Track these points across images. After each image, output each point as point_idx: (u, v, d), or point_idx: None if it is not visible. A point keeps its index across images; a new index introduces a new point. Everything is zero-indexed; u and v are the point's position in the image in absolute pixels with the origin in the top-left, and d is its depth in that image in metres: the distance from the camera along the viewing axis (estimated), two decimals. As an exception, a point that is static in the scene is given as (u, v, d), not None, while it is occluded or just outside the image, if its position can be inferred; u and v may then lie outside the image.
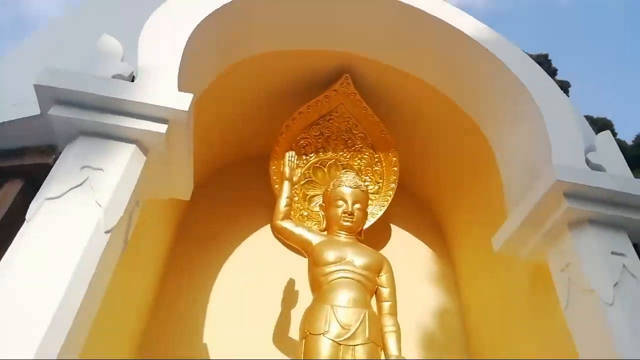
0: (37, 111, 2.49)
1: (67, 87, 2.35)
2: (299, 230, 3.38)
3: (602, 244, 2.69)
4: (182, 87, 2.63)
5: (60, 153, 2.48)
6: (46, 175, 2.38)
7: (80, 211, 2.22)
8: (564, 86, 18.76)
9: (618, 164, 3.03)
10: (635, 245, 2.80)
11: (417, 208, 4.76)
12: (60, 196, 2.25)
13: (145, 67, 2.61)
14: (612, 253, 2.67)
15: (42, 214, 2.17)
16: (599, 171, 2.90)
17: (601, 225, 2.77)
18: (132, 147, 2.46)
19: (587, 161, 2.98)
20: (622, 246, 2.72)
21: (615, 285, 2.53)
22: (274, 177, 4.01)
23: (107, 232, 2.22)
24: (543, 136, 3.05)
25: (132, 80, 2.58)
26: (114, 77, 2.51)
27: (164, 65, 2.65)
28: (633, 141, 15.64)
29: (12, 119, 2.60)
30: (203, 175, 4.19)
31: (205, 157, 4.05)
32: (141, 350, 3.41)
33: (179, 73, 2.64)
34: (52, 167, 2.43)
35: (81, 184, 2.31)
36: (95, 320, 2.17)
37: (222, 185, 4.47)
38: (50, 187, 2.27)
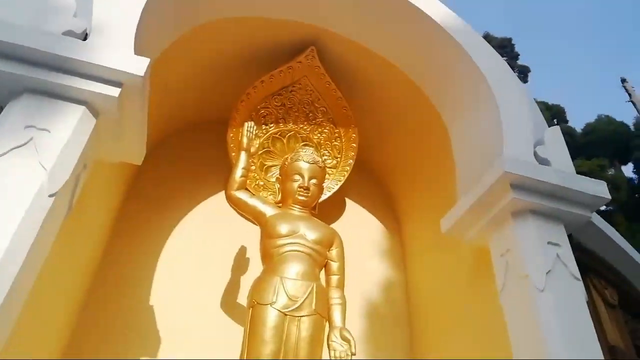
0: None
1: (10, 40, 2.20)
2: (253, 202, 3.38)
3: (540, 234, 2.85)
4: (138, 49, 2.52)
5: (1, 109, 2.35)
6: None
7: (22, 172, 2.12)
8: (525, 71, 19.24)
9: (563, 159, 3.18)
10: (569, 236, 2.98)
11: (372, 184, 4.84)
12: (1, 155, 2.15)
13: (100, 25, 2.47)
14: (549, 243, 2.84)
15: (-20, 173, 2.06)
16: (545, 165, 3.04)
17: (541, 216, 2.93)
18: (82, 108, 2.35)
19: (535, 154, 3.11)
20: (558, 237, 2.89)
21: (547, 272, 2.70)
22: (232, 145, 3.95)
23: (50, 195, 2.14)
24: (497, 127, 3.15)
25: (85, 39, 2.44)
26: (64, 33, 2.36)
27: (121, 24, 2.51)
28: (582, 129, 16.33)
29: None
30: (156, 137, 4.08)
31: (160, 119, 3.93)
32: (84, 316, 3.37)
33: (135, 34, 2.53)
34: (-8, 124, 2.30)
35: (25, 144, 2.20)
36: (34, 288, 2.12)
37: (177, 149, 4.38)
38: (-10, 146, 2.15)
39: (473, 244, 3.28)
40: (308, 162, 3.54)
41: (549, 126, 3.47)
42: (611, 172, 13.84)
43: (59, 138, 2.25)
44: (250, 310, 2.90)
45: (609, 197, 3.01)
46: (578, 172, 3.17)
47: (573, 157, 3.32)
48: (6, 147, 2.14)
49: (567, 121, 17.69)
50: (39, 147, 2.20)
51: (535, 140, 3.21)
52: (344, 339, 2.86)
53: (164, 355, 3.35)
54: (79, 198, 2.53)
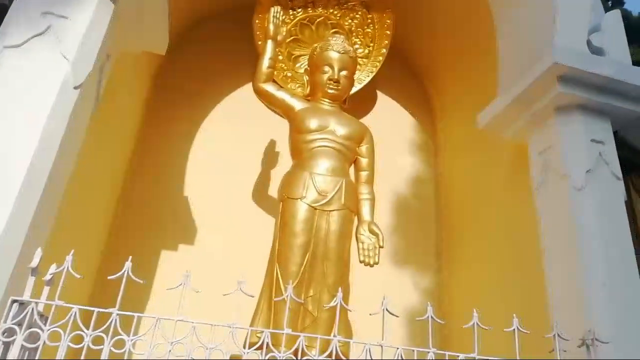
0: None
1: None
2: (281, 94, 3.25)
3: (584, 131, 2.70)
4: None
5: (15, -6, 2.22)
6: (2, 18, 2.16)
7: (44, 63, 2.07)
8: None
9: (619, 48, 2.88)
10: (615, 133, 2.81)
11: (406, 76, 4.59)
12: (21, 44, 2.08)
13: None
14: (592, 140, 2.69)
15: (1, 63, 2.01)
16: (599, 55, 2.77)
17: (588, 111, 2.75)
18: (98, -8, 2.21)
19: (589, 42, 2.82)
20: (603, 134, 2.74)
21: (587, 171, 2.59)
22: (258, 33, 3.72)
23: (76, 87, 2.11)
24: (548, 12, 2.84)
25: None
26: None
27: None
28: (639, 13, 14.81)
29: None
30: (180, 27, 3.86)
31: (183, 7, 3.70)
32: (121, 207, 3.50)
33: None
34: (8, 7, 2.19)
35: (44, 32, 2.12)
36: (70, 180, 2.16)
37: (202, 38, 4.18)
38: (8, 33, 2.08)
39: (511, 141, 3.15)
40: (338, 52, 3.31)
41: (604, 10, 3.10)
42: (666, 61, 12.77)
43: (78, 25, 2.15)
44: (281, 204, 2.94)
45: (667, 91, 2.77)
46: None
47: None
48: (25, 35, 2.07)
49: (623, 3, 15.99)
50: (59, 36, 2.11)
51: (591, 27, 2.90)
52: (372, 232, 2.91)
53: (198, 245, 3.51)
54: (106, 91, 2.48)
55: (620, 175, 2.65)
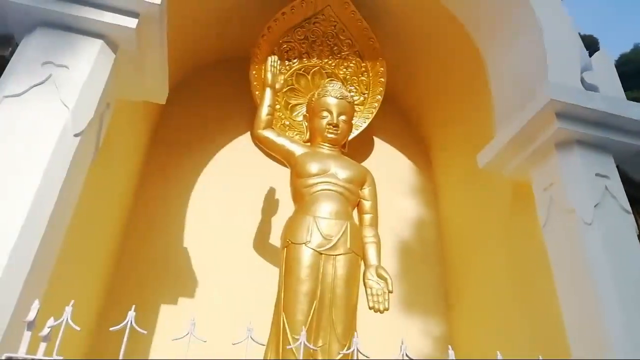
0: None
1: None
2: (281, 140, 3.25)
3: (587, 165, 2.69)
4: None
5: (17, 45, 2.23)
6: (2, 70, 2.15)
7: (45, 111, 2.04)
8: (556, -1, 18.00)
9: (612, 85, 2.95)
10: (617, 167, 2.81)
11: (401, 121, 4.65)
12: (21, 94, 2.06)
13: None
14: (597, 175, 2.68)
15: (2, 113, 1.98)
16: (593, 91, 2.81)
17: (588, 146, 2.75)
18: (99, 42, 2.24)
19: (582, 80, 2.87)
20: (607, 168, 2.73)
21: (595, 206, 2.55)
22: (255, 83, 3.78)
23: (76, 135, 2.07)
24: (540, 51, 2.90)
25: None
26: (74, -41, 2.18)
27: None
28: (616, 61, 15.49)
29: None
30: (179, 76, 3.93)
31: (182, 58, 3.77)
32: (120, 257, 3.40)
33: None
34: (8, 60, 2.19)
35: (44, 81, 2.11)
36: (69, 229, 2.08)
37: (201, 88, 4.22)
38: (9, 84, 2.06)
39: (512, 178, 3.13)
40: (336, 98, 3.35)
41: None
42: (647, 104, 13.20)
43: (78, 74, 2.14)
44: (285, 250, 2.86)
45: (663, 124, 2.80)
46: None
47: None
48: (26, 84, 2.05)
49: (598, 49, 16.77)
50: (59, 85, 2.10)
51: (581, 66, 2.97)
52: (380, 277, 2.81)
53: (200, 296, 3.37)
54: (105, 140, 2.45)
55: (629, 208, 2.62)
